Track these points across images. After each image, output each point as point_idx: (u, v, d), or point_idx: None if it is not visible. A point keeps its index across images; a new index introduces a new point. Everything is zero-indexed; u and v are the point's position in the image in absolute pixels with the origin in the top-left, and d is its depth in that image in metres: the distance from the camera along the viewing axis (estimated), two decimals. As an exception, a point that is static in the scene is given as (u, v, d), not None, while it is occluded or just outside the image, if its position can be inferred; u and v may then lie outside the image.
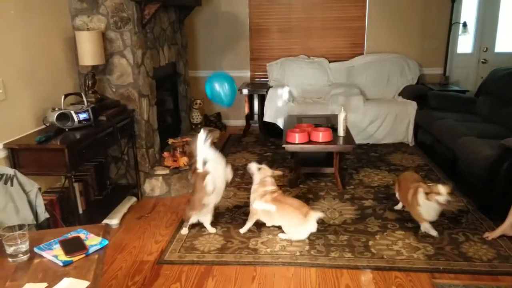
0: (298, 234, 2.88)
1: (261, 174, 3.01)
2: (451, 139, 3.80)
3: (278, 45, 5.74)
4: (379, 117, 4.86)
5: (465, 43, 5.52)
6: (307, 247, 2.80)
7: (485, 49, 5.47)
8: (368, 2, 5.47)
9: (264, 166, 3.06)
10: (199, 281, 2.48)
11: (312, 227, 2.84)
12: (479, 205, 3.27)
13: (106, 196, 3.36)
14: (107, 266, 2.64)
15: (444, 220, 3.10)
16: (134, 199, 3.53)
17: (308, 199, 3.54)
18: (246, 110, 5.52)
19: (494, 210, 3.13)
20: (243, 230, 3.02)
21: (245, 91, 5.30)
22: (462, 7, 5.40)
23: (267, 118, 5.19)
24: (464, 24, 5.25)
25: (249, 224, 3.02)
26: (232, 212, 3.33)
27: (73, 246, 1.49)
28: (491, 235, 2.85)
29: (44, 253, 1.49)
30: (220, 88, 2.84)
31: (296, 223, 2.84)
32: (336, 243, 2.84)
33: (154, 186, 3.65)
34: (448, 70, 5.54)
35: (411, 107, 4.85)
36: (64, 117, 2.74)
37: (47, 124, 2.82)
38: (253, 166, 3.05)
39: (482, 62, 5.49)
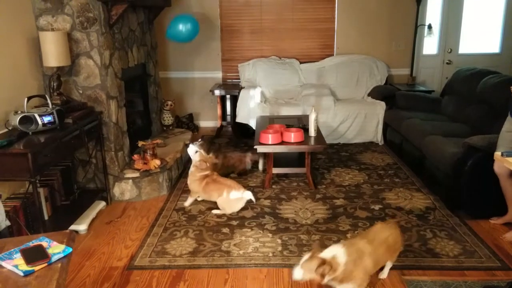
0: (231, 209, 3.30)
1: (197, 157, 3.39)
2: (418, 138, 3.91)
3: (249, 46, 5.74)
4: (349, 117, 4.94)
5: (430, 45, 5.70)
6: (279, 248, 2.80)
7: (449, 50, 5.66)
8: (337, 4, 5.56)
9: (201, 150, 3.46)
10: (171, 285, 2.44)
11: (243, 204, 3.33)
12: (445, 202, 3.37)
13: (73, 201, 3.26)
14: (75, 274, 2.56)
15: (413, 217, 3.18)
16: (103, 203, 3.44)
17: (281, 199, 3.55)
18: (219, 111, 5.49)
19: (460, 206, 3.23)
20: (187, 203, 3.46)
21: (217, 92, 5.27)
22: (427, 9, 5.57)
23: (239, 119, 5.19)
24: (429, 26, 5.42)
25: (190, 200, 3.47)
26: (205, 215, 3.30)
27: (35, 255, 1.44)
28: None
29: (4, 263, 1.43)
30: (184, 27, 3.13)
31: (229, 196, 3.27)
32: (309, 243, 2.86)
33: (124, 190, 3.57)
34: (414, 70, 5.70)
35: (380, 107, 4.96)
36: (27, 120, 2.64)
37: (10, 128, 2.71)
38: (191, 149, 3.46)
39: (447, 63, 5.68)
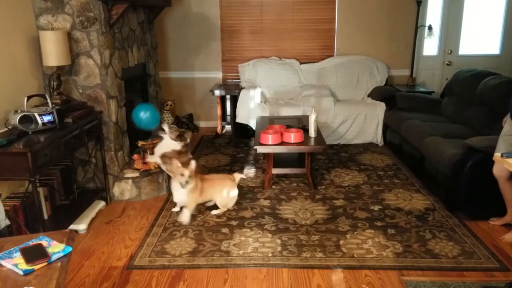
0: (232, 203, 3.32)
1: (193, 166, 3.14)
2: (417, 139, 3.91)
3: (250, 46, 5.74)
4: (349, 118, 4.94)
5: (430, 46, 5.71)
6: (279, 248, 2.81)
7: (449, 51, 5.68)
8: (337, 5, 5.56)
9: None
10: (170, 285, 2.45)
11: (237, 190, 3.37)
12: (445, 203, 3.38)
13: (73, 201, 3.26)
14: (74, 273, 2.56)
15: (412, 218, 3.19)
16: (102, 203, 3.44)
17: (281, 199, 3.55)
18: (219, 112, 5.49)
19: (459, 207, 3.23)
20: (187, 220, 3.17)
21: (217, 93, 5.27)
22: (428, 10, 5.57)
23: (239, 119, 5.19)
24: (430, 27, 5.43)
25: (189, 214, 3.19)
26: (204, 215, 3.30)
27: (35, 254, 1.44)
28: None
29: (3, 262, 1.43)
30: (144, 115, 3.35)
31: (228, 190, 3.28)
32: (308, 243, 2.86)
33: (123, 190, 3.57)
34: (414, 71, 5.71)
35: (380, 108, 4.96)
36: (27, 119, 2.64)
37: (9, 127, 2.71)
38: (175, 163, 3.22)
39: (447, 64, 5.70)
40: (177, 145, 3.31)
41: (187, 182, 3.07)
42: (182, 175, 3.07)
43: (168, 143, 3.35)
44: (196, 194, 3.19)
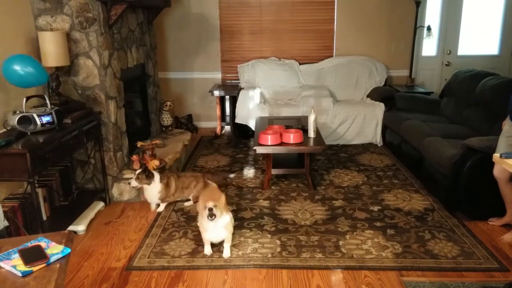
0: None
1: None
2: (417, 139, 3.91)
3: (249, 47, 5.74)
4: (348, 119, 4.94)
5: (429, 46, 5.72)
6: (278, 249, 2.80)
7: (448, 52, 5.68)
8: (336, 6, 5.56)
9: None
10: (170, 286, 2.44)
11: None
12: (444, 203, 3.38)
13: (72, 202, 3.25)
14: (73, 274, 2.56)
15: (411, 219, 3.19)
16: (101, 204, 3.44)
17: (280, 200, 3.55)
18: (218, 112, 5.49)
19: (458, 208, 3.24)
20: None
21: (216, 93, 5.27)
22: (426, 11, 5.58)
23: (238, 120, 5.19)
24: (429, 28, 5.43)
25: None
26: (203, 215, 3.30)
27: (33, 255, 1.43)
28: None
29: (2, 263, 1.42)
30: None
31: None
32: (307, 244, 2.86)
33: (122, 190, 3.56)
34: (413, 72, 5.71)
35: (379, 108, 4.96)
36: (26, 120, 2.64)
37: (8, 128, 2.70)
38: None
39: (446, 65, 5.70)
40: (157, 178, 3.29)
41: (210, 216, 2.53)
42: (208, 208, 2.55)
43: (153, 186, 3.29)
44: (231, 221, 2.75)
